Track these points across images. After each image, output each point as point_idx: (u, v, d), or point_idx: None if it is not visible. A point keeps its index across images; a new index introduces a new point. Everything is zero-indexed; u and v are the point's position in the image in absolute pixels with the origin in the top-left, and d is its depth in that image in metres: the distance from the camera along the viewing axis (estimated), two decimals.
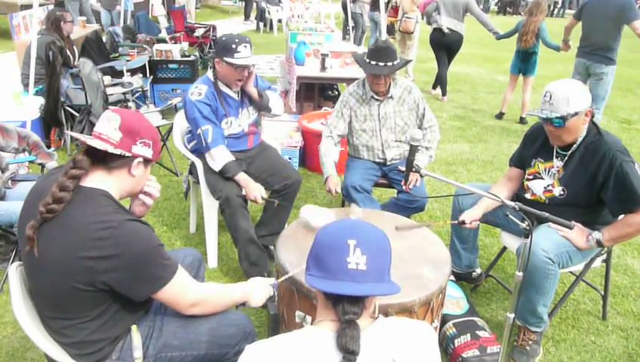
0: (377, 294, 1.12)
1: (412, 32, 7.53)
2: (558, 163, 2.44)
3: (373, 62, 2.94)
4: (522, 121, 6.46)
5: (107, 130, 1.54)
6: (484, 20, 6.59)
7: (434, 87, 7.54)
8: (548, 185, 2.46)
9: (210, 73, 2.91)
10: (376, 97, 3.10)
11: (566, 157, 2.41)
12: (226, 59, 2.75)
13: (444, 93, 7.32)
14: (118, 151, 1.52)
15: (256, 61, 2.88)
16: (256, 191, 2.81)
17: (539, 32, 5.85)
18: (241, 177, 2.84)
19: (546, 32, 5.86)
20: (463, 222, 2.54)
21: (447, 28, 6.58)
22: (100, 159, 1.54)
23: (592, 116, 2.35)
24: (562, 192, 2.41)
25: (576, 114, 2.24)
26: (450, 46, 6.80)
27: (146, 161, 1.63)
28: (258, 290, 1.80)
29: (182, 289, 1.58)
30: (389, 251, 1.17)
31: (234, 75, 2.81)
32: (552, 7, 20.96)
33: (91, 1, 8.41)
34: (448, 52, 6.91)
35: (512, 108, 6.72)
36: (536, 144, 2.54)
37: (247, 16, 14.85)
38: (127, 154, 1.55)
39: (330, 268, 1.11)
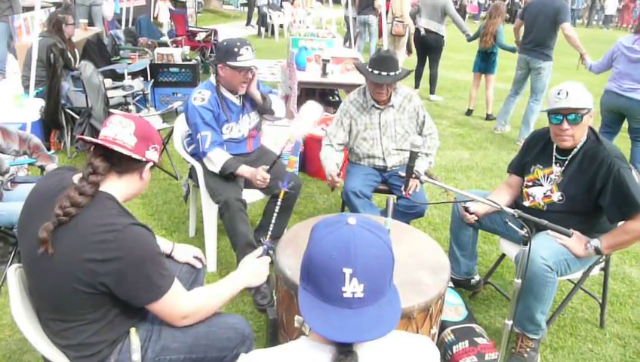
0: (374, 338, 1.03)
1: (403, 35, 7.87)
2: (557, 169, 2.45)
3: (375, 72, 2.94)
4: (488, 117, 6.84)
5: (122, 135, 1.55)
6: (458, 22, 7.03)
7: (431, 92, 7.67)
8: (547, 191, 2.47)
9: (212, 78, 2.92)
10: (377, 106, 3.11)
11: (565, 163, 2.42)
12: (229, 63, 2.76)
13: (416, 86, 7.70)
14: (137, 156, 1.56)
15: (258, 65, 2.89)
16: (260, 173, 2.80)
17: (496, 34, 6.28)
18: (244, 169, 2.84)
19: (502, 35, 6.29)
20: (466, 209, 2.52)
21: (424, 29, 6.94)
22: (113, 164, 1.56)
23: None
24: (561, 198, 2.42)
25: (588, 111, 2.30)
26: (430, 46, 7.15)
27: (154, 164, 1.68)
28: (251, 272, 1.82)
29: (175, 302, 1.59)
30: (392, 264, 1.10)
31: (238, 78, 2.82)
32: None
33: (103, 8, 8.35)
34: (430, 52, 7.27)
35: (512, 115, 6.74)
36: (536, 150, 2.56)
37: (249, 21, 14.89)
38: (143, 159, 1.59)
39: (325, 292, 1.04)
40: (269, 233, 2.08)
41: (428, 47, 7.17)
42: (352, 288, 1.02)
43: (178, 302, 1.60)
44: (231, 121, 2.93)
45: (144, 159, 1.60)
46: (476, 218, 2.54)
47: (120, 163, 1.57)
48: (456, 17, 6.97)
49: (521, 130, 5.86)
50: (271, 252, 1.92)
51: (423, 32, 6.95)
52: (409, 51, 8.49)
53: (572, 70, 5.97)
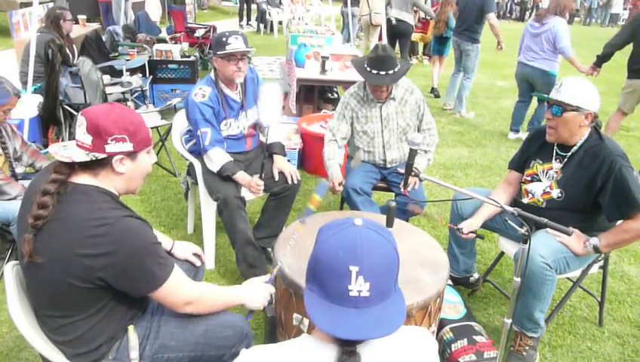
0: (378, 336, 1.03)
1: (380, 25, 8.35)
2: (556, 165, 2.44)
3: (374, 72, 2.92)
4: (433, 91, 7.76)
5: (79, 134, 1.50)
6: (426, 10, 7.92)
7: None
8: (546, 188, 2.46)
9: (212, 74, 2.91)
10: (377, 99, 3.09)
11: (565, 160, 2.42)
12: (219, 52, 2.76)
13: None
14: (89, 157, 1.48)
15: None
16: (255, 180, 2.80)
17: (448, 20, 7.10)
18: (240, 176, 2.83)
19: (452, 21, 7.00)
20: (460, 230, 2.52)
21: (395, 18, 7.62)
22: (82, 164, 1.51)
23: (594, 122, 2.36)
24: (560, 195, 2.41)
25: (577, 109, 2.28)
26: (400, 34, 7.93)
27: (131, 154, 1.55)
28: (254, 291, 1.79)
29: (177, 288, 1.58)
30: (397, 265, 1.10)
31: (230, 67, 2.80)
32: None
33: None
34: (400, 40, 8.06)
35: (503, 116, 6.73)
36: (537, 145, 2.55)
37: (241, 18, 14.79)
38: (101, 156, 1.50)
39: (331, 292, 1.04)
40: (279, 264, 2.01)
41: (399, 34, 7.91)
42: (358, 286, 1.02)
43: (180, 289, 1.59)
44: (229, 117, 2.92)
45: (102, 156, 1.49)
46: (474, 235, 2.53)
47: (86, 163, 1.50)
48: (423, 7, 7.82)
49: (456, 103, 6.79)
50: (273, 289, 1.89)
51: (394, 22, 7.62)
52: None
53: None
